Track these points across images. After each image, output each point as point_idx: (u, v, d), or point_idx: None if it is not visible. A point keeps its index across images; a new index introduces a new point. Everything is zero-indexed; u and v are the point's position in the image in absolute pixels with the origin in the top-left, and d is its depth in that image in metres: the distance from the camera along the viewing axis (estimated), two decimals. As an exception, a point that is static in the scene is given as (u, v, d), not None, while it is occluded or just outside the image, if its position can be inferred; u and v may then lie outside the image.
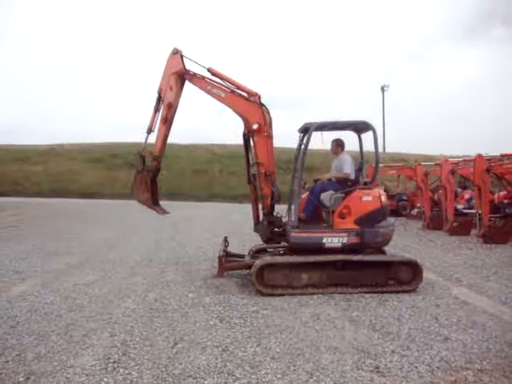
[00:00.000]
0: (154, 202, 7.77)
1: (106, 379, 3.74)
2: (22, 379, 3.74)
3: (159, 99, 7.49)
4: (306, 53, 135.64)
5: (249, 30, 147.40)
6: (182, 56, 7.37)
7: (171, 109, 7.39)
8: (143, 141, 7.63)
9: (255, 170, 7.37)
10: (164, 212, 7.96)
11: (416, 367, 3.99)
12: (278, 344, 4.54)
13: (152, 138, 7.64)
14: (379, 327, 5.05)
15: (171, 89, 7.36)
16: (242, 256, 7.87)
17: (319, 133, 7.26)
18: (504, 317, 5.49)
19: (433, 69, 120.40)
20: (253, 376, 3.81)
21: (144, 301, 6.10)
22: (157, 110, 7.53)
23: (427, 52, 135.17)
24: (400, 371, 3.91)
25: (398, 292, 6.50)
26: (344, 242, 6.68)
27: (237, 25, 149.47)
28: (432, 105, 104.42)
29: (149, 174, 7.59)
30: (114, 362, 4.07)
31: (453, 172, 14.61)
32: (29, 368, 3.95)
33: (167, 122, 7.42)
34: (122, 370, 3.91)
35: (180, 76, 7.36)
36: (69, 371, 3.89)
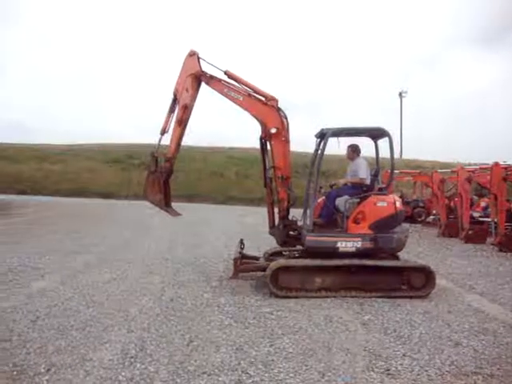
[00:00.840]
0: (166, 204, 7.81)
1: (123, 373, 3.86)
2: (43, 370, 3.88)
3: (174, 100, 7.56)
4: (324, 57, 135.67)
5: (266, 34, 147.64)
6: (198, 58, 7.42)
7: (186, 110, 7.44)
8: (157, 142, 7.73)
9: (272, 174, 7.45)
10: (176, 214, 8.00)
11: (426, 370, 4.05)
12: (290, 344, 4.63)
13: (166, 140, 7.73)
14: (391, 331, 5.12)
15: (187, 90, 7.41)
16: (257, 258, 7.97)
17: (335, 138, 7.34)
18: (516, 324, 5.52)
19: (450, 74, 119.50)
20: (266, 374, 3.91)
21: (160, 299, 6.23)
22: (172, 111, 7.60)
23: (444, 57, 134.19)
24: (410, 374, 3.98)
25: (410, 297, 6.54)
26: (358, 246, 6.74)
27: (254, 29, 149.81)
28: (450, 111, 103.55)
29: (162, 175, 7.62)
30: (132, 357, 4.20)
31: (469, 180, 14.56)
32: (49, 360, 4.10)
33: (182, 123, 7.47)
34: (139, 365, 4.03)
35: (196, 78, 7.41)
36: (88, 364, 4.02)
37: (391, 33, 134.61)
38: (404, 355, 4.41)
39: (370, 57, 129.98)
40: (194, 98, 7.51)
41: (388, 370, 4.06)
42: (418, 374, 3.98)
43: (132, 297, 6.34)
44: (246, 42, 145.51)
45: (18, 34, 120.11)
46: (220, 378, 3.81)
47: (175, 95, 7.54)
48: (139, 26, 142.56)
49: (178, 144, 7.60)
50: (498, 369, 4.14)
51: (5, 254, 9.22)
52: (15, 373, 3.82)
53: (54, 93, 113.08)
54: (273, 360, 4.22)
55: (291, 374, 3.92)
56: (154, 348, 4.46)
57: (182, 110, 7.43)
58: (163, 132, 7.66)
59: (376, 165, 7.71)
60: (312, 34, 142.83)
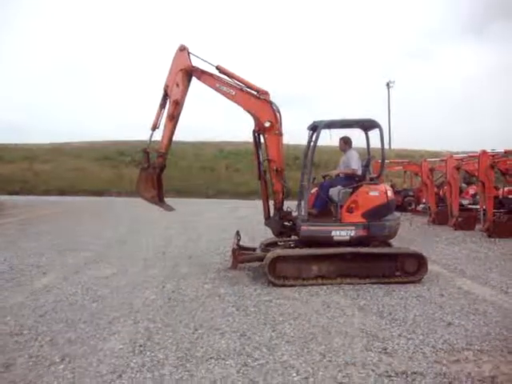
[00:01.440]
0: (159, 199, 7.85)
1: (134, 360, 4.06)
2: (57, 360, 4.07)
3: (165, 96, 7.53)
4: (313, 50, 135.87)
5: (255, 28, 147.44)
6: (188, 53, 7.44)
7: (178, 106, 7.43)
8: (148, 138, 7.74)
9: (266, 167, 7.62)
10: (170, 209, 8.07)
11: (421, 349, 4.30)
12: (291, 329, 4.85)
13: (157, 136, 7.72)
14: (386, 314, 5.35)
15: (178, 86, 7.39)
16: (254, 249, 8.17)
17: (327, 130, 7.53)
18: (504, 305, 5.78)
19: (437, 64, 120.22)
20: (270, 357, 4.12)
21: (162, 292, 6.42)
22: (162, 106, 7.58)
23: (432, 47, 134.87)
24: (406, 352, 4.22)
25: (404, 283, 6.78)
26: (352, 234, 6.97)
27: (243, 22, 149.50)
28: (438, 100, 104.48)
29: (155, 170, 7.62)
30: (141, 346, 4.39)
31: (457, 168, 14.83)
32: (62, 351, 4.28)
33: (174, 118, 7.48)
34: (148, 353, 4.23)
35: (187, 73, 7.40)
36: (99, 354, 4.21)
37: (380, 24, 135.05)
38: (399, 336, 4.65)
39: (358, 49, 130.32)
40: (184, 93, 7.51)
41: (385, 349, 4.29)
42: (414, 352, 4.22)
43: (134, 290, 6.51)
44: (237, 37, 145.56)
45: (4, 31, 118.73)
46: (227, 362, 4.02)
47: (165, 91, 7.51)
48: (126, 22, 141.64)
49: (170, 139, 7.61)
50: (488, 344, 4.41)
51: (4, 253, 9.33)
52: (31, 363, 4.00)
53: (41, 91, 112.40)
54: (276, 344, 4.44)
55: (294, 356, 4.13)
56: (161, 337, 4.65)
57: (173, 106, 7.43)
58: (154, 128, 7.64)
59: (367, 155, 7.92)
60: (302, 27, 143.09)
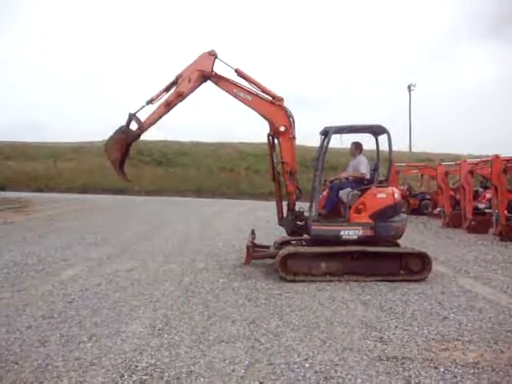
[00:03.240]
0: (120, 166, 8.00)
1: (154, 341, 4.54)
2: (85, 339, 4.57)
3: (174, 82, 7.72)
4: (333, 52, 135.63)
5: (276, 31, 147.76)
6: (215, 59, 7.67)
7: (179, 98, 7.64)
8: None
9: (280, 169, 8.03)
10: (126, 180, 8.29)
11: (414, 338, 4.70)
12: (297, 319, 5.28)
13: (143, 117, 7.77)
14: (387, 308, 5.75)
15: (189, 81, 7.62)
16: (267, 247, 8.59)
17: (339, 135, 7.92)
18: (501, 302, 6.12)
19: (460, 66, 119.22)
20: (275, 342, 4.56)
21: (180, 284, 6.89)
22: (167, 89, 7.75)
23: (454, 50, 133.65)
24: (400, 341, 4.62)
25: (408, 281, 7.14)
26: (359, 234, 7.36)
27: (264, 25, 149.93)
28: (460, 104, 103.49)
29: (128, 136, 7.77)
30: (159, 330, 4.87)
31: (471, 172, 15.06)
32: (89, 332, 4.79)
33: (169, 106, 7.65)
34: (166, 336, 4.71)
35: (203, 76, 7.65)
36: (122, 335, 4.70)
37: (403, 27, 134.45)
38: (396, 327, 5.05)
39: (380, 51, 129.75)
40: (192, 90, 7.71)
41: (381, 338, 4.70)
42: (407, 341, 4.62)
43: (154, 282, 6.99)
44: (256, 39, 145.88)
45: (25, 34, 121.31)
46: (236, 345, 4.47)
47: (177, 79, 7.70)
48: (145, 24, 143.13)
49: (155, 122, 7.78)
50: (477, 337, 4.79)
51: (33, 246, 9.91)
52: (63, 341, 4.52)
53: (64, 91, 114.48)
54: (281, 331, 4.88)
55: (297, 342, 4.57)
56: (178, 323, 5.12)
57: (175, 95, 7.62)
58: (150, 102, 7.75)
59: (376, 159, 8.29)
60: (322, 29, 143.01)
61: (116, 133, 7.79)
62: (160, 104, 7.73)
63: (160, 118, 7.76)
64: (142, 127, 7.72)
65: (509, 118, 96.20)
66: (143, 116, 7.78)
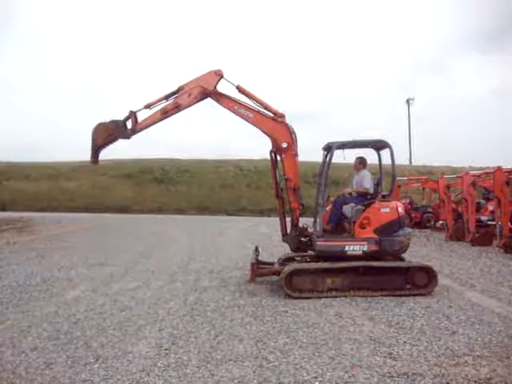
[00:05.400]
0: (96, 150, 8.13)
1: (161, 361, 4.49)
2: (92, 360, 4.53)
3: (175, 93, 7.82)
4: (332, 66, 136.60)
5: (275, 45, 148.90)
6: (219, 79, 7.73)
7: (176, 109, 7.74)
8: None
9: (283, 185, 8.02)
10: (95, 162, 8.30)
11: (424, 354, 4.64)
12: (304, 336, 5.23)
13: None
14: (394, 323, 5.70)
15: (189, 96, 7.72)
16: (272, 264, 8.56)
17: (341, 151, 7.94)
18: (510, 316, 6.06)
19: (457, 79, 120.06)
20: (283, 360, 4.52)
21: (185, 303, 6.84)
22: (166, 98, 7.84)
23: (450, 62, 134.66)
24: (410, 357, 4.57)
25: (414, 295, 7.09)
26: (364, 249, 7.33)
27: (262, 39, 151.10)
28: (458, 116, 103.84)
29: (120, 132, 7.97)
30: (166, 350, 4.83)
31: (474, 184, 15.06)
32: (96, 353, 4.74)
33: (165, 115, 7.76)
34: (173, 355, 4.66)
35: (204, 93, 7.72)
36: (129, 356, 4.66)
37: (401, 41, 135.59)
38: (405, 342, 4.99)
39: (377, 65, 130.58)
40: (190, 104, 7.79)
41: (390, 354, 4.64)
42: (417, 357, 4.56)
43: (159, 301, 6.95)
44: (252, 52, 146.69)
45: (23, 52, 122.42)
46: (244, 364, 4.42)
47: (179, 89, 7.80)
48: (144, 35, 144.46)
49: (149, 126, 7.94)
50: (488, 351, 4.72)
51: (36, 267, 9.89)
52: (69, 362, 4.48)
53: (62, 110, 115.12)
54: (289, 349, 4.83)
55: (305, 359, 4.52)
56: (184, 342, 5.07)
57: (173, 105, 7.72)
58: (147, 106, 7.84)
59: (379, 173, 8.29)
60: (319, 44, 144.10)
61: (111, 122, 8.00)
62: (157, 110, 7.85)
63: (154, 124, 7.94)
64: (135, 129, 7.91)
65: (507, 128, 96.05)
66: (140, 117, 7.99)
